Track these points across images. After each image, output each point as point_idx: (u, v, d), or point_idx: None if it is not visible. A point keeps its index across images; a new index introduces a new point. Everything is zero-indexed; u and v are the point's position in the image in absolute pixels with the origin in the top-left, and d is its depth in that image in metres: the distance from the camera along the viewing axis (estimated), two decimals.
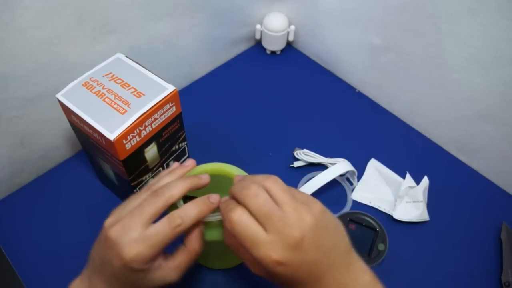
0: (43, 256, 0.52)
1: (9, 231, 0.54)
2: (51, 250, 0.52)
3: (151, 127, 0.45)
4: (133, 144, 0.44)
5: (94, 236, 0.53)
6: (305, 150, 0.61)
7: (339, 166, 0.56)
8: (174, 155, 0.52)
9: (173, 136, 0.50)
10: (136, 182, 0.48)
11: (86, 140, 0.47)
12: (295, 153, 0.61)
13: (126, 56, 0.48)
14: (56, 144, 0.59)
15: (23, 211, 0.56)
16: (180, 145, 0.52)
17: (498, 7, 0.47)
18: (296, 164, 0.61)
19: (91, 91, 0.45)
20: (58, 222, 0.55)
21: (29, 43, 0.47)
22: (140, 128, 0.44)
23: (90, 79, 0.46)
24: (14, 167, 0.56)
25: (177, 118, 0.48)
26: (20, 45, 0.47)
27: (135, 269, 0.35)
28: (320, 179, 0.55)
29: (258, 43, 0.78)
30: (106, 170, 0.51)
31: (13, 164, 0.56)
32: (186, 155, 0.56)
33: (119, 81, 0.46)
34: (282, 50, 0.77)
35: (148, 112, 0.43)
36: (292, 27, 0.73)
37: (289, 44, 0.78)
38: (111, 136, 0.41)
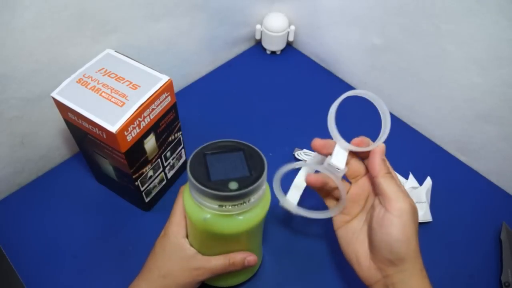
0: (43, 256, 0.52)
1: (9, 231, 0.54)
2: (51, 250, 0.52)
3: (149, 117, 0.45)
4: (133, 135, 0.44)
5: (93, 235, 0.54)
6: (305, 150, 0.61)
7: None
8: (170, 146, 0.53)
9: (169, 126, 0.50)
10: (137, 175, 0.49)
11: (84, 138, 0.47)
12: (295, 154, 0.61)
13: (116, 51, 0.49)
14: (56, 144, 0.59)
15: (23, 211, 0.56)
16: (176, 135, 0.53)
17: (498, 7, 0.47)
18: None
19: (86, 87, 0.45)
20: (58, 222, 0.55)
21: (29, 43, 0.47)
22: (139, 119, 0.44)
23: (83, 75, 0.46)
24: (14, 167, 0.56)
25: (173, 108, 0.49)
26: (20, 45, 0.47)
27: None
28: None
29: (258, 43, 0.78)
30: (104, 167, 0.51)
31: (13, 164, 0.56)
32: (182, 146, 0.56)
33: (113, 75, 0.46)
34: (282, 50, 0.77)
35: (146, 103, 0.44)
36: (292, 27, 0.73)
37: (289, 44, 0.78)
38: (113, 128, 0.41)
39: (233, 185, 0.36)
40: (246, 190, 0.35)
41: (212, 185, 0.35)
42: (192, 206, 0.39)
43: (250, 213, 0.38)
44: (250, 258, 0.44)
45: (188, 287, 0.43)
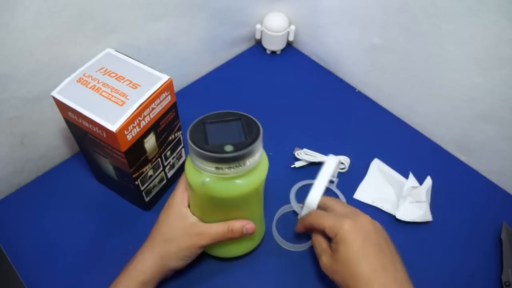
0: (43, 256, 0.52)
1: (9, 231, 0.54)
2: (51, 250, 0.52)
3: (149, 117, 0.45)
4: (133, 135, 0.44)
5: (93, 235, 0.54)
6: (305, 149, 0.61)
7: (329, 165, 0.52)
8: (170, 145, 0.53)
9: (170, 126, 0.50)
10: (137, 174, 0.49)
11: (84, 137, 0.47)
12: (295, 153, 0.61)
13: (116, 51, 0.49)
14: (56, 144, 0.59)
15: (23, 211, 0.56)
16: (176, 134, 0.53)
17: (498, 7, 0.47)
18: (297, 164, 0.61)
19: (86, 86, 0.45)
20: (58, 222, 0.55)
21: (29, 43, 0.47)
22: (139, 118, 0.44)
23: (83, 75, 0.46)
24: (14, 167, 0.56)
25: (173, 107, 0.49)
26: (20, 45, 0.47)
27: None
28: (318, 187, 0.50)
29: (258, 43, 0.78)
30: (104, 166, 0.51)
31: (13, 164, 0.56)
32: (182, 145, 0.56)
33: (113, 74, 0.46)
34: (282, 50, 0.77)
35: (146, 102, 0.44)
36: (292, 27, 0.73)
37: (289, 44, 0.78)
38: (113, 127, 0.41)
39: (229, 147, 0.38)
40: (241, 152, 0.37)
41: (209, 148, 0.38)
42: (191, 171, 0.41)
43: (247, 178, 0.40)
44: (248, 226, 0.45)
45: (190, 251, 0.45)
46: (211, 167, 0.38)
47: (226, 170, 0.38)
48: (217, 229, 0.45)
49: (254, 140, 0.39)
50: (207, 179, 0.39)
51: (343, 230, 0.42)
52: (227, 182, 0.40)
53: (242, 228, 0.45)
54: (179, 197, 0.46)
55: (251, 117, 0.41)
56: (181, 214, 0.45)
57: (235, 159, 0.38)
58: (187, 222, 0.45)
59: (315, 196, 0.49)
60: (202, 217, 0.45)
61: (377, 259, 0.41)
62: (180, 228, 0.45)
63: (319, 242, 0.47)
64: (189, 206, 0.46)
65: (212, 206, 0.44)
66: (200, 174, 0.40)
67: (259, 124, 0.41)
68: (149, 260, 0.44)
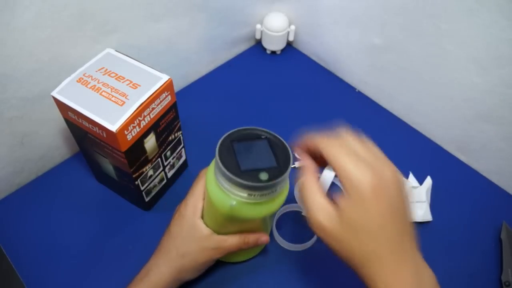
0: (43, 256, 0.52)
1: (9, 231, 0.54)
2: (51, 250, 0.52)
3: (149, 117, 0.45)
4: (133, 135, 0.44)
5: (94, 235, 0.54)
6: None
7: None
8: (170, 145, 0.53)
9: (170, 126, 0.50)
10: (137, 174, 0.49)
11: (84, 137, 0.47)
12: (295, 153, 0.61)
13: (116, 51, 0.49)
14: (56, 144, 0.59)
15: (23, 211, 0.56)
16: (176, 134, 0.53)
17: (498, 7, 0.47)
18: (298, 164, 0.60)
19: (86, 86, 0.45)
20: (58, 222, 0.55)
21: (29, 43, 0.47)
22: (139, 118, 0.44)
23: (84, 75, 0.46)
24: (14, 167, 0.56)
25: (173, 107, 0.49)
26: (20, 45, 0.47)
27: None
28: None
29: (258, 43, 0.78)
30: (104, 166, 0.51)
31: (13, 164, 0.56)
32: (182, 145, 0.56)
33: (113, 74, 0.46)
34: (282, 50, 0.77)
35: (146, 102, 0.44)
36: (292, 27, 0.73)
37: (289, 44, 0.78)
38: (113, 127, 0.41)
39: (264, 176, 0.37)
40: (276, 181, 0.37)
41: (243, 175, 0.36)
42: (218, 193, 0.39)
43: (274, 200, 0.40)
44: (263, 238, 0.46)
45: (205, 265, 0.46)
46: (243, 193, 0.37)
47: (259, 197, 0.38)
48: (232, 242, 0.45)
49: (287, 167, 0.38)
50: (234, 202, 0.39)
51: (362, 186, 0.32)
52: (255, 205, 0.39)
53: (257, 241, 0.46)
54: (191, 208, 0.45)
55: (277, 135, 0.41)
56: (194, 226, 0.45)
57: (270, 187, 0.37)
58: (201, 235, 0.44)
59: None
60: (217, 230, 0.45)
61: (397, 232, 0.33)
62: (195, 242, 0.45)
63: (315, 191, 0.35)
64: (201, 217, 0.45)
65: (231, 223, 0.43)
66: (228, 197, 0.39)
67: (286, 144, 0.40)
68: (166, 274, 0.44)
